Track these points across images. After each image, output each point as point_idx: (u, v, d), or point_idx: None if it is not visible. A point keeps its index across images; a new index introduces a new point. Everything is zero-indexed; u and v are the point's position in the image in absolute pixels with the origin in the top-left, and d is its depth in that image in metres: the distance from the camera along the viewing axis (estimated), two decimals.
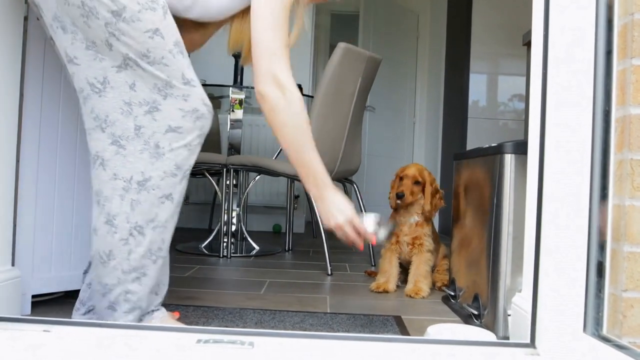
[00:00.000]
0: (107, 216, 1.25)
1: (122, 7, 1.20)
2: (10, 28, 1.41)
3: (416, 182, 2.17)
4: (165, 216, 1.30)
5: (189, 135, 1.30)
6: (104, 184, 1.26)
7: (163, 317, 1.39)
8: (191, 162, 1.33)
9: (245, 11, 1.43)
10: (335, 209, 1.36)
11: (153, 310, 1.37)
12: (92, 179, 1.28)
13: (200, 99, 1.31)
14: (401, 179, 2.19)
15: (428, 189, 2.17)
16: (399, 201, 2.15)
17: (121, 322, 1.28)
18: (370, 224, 1.38)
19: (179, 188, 1.31)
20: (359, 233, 1.37)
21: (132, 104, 1.25)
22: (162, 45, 1.25)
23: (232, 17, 1.47)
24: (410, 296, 2.05)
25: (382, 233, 1.39)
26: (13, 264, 1.50)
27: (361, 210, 3.20)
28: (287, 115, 1.32)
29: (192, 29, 1.47)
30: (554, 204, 1.07)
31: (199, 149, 1.35)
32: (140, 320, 1.32)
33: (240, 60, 1.53)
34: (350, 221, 1.35)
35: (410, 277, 2.14)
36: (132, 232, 1.26)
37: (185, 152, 1.30)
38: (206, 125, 1.33)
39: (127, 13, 1.21)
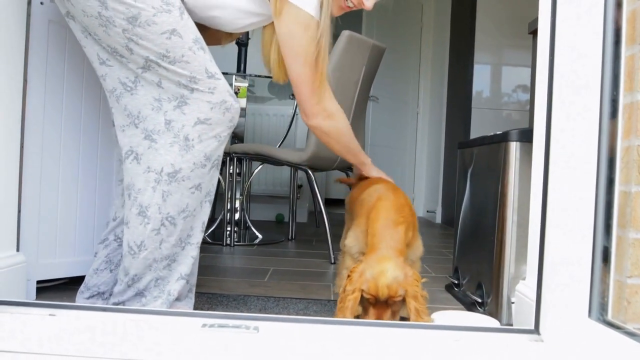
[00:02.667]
0: (140, 208, 1.29)
1: (137, 13, 1.23)
2: (14, 13, 1.41)
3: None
4: (194, 205, 1.33)
5: (219, 127, 1.33)
6: (137, 177, 1.29)
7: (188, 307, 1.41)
8: (220, 152, 1.36)
9: (271, 29, 1.47)
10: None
11: (180, 299, 1.39)
12: (124, 174, 1.33)
13: (226, 91, 1.35)
14: (373, 302, 1.31)
15: (413, 297, 1.30)
16: None
17: (149, 307, 1.31)
18: None
19: (207, 177, 1.35)
20: None
21: (162, 100, 1.29)
22: (181, 44, 1.28)
23: (265, 29, 1.51)
24: None
25: None
26: (18, 250, 1.51)
27: None
28: (338, 135, 1.60)
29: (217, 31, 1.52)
30: (559, 189, 1.07)
31: (227, 139, 1.39)
32: (170, 306, 1.34)
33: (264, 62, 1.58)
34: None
35: (413, 307, 1.31)
36: (164, 222, 1.30)
37: (214, 143, 1.33)
38: (235, 116, 1.37)
39: (142, 18, 1.24)
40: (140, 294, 1.32)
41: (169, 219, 1.30)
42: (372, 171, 1.76)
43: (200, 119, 1.30)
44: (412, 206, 1.56)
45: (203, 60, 1.31)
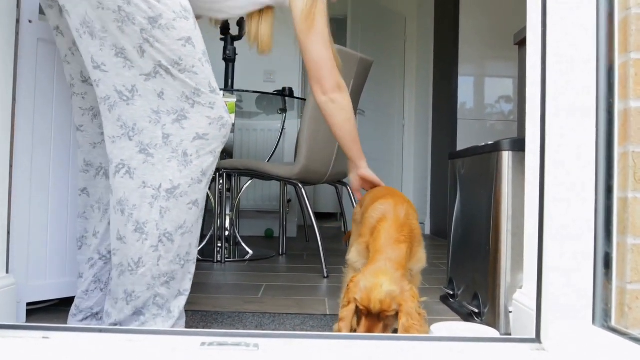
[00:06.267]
0: (136, 224, 1.25)
1: (159, 14, 1.21)
2: (2, 31, 1.39)
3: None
4: (192, 221, 1.31)
5: (215, 143, 1.32)
6: (132, 192, 1.25)
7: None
8: (214, 168, 1.35)
9: (258, 13, 1.52)
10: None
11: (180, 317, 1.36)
12: (113, 187, 1.27)
13: (223, 107, 1.34)
14: (365, 313, 1.29)
15: (406, 313, 1.26)
16: None
17: (147, 326, 1.27)
18: None
19: (203, 193, 1.34)
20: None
21: (161, 113, 1.26)
22: (193, 54, 1.27)
23: (249, 15, 1.54)
24: None
25: None
26: (7, 272, 1.48)
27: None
28: (350, 112, 1.62)
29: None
30: (557, 197, 1.08)
31: (219, 154, 1.38)
32: (174, 325, 1.31)
33: (257, 51, 1.62)
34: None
35: (402, 324, 1.28)
36: (161, 239, 1.27)
37: (211, 159, 1.32)
38: (228, 132, 1.37)
39: (163, 20, 1.22)
40: (138, 312, 1.29)
41: (166, 235, 1.27)
42: (368, 171, 1.75)
43: (199, 134, 1.29)
44: (416, 220, 1.54)
45: (208, 73, 1.30)
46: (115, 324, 1.30)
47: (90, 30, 1.23)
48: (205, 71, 1.29)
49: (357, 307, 1.30)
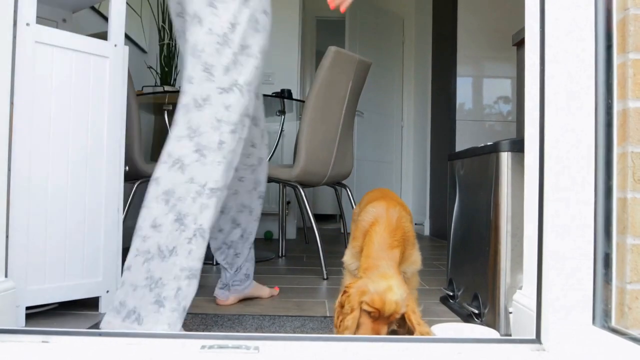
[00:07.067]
0: (178, 215, 1.34)
1: (246, 45, 1.43)
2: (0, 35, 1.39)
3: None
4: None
5: (235, 159, 1.46)
6: (179, 185, 1.35)
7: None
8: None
9: None
10: None
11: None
12: (164, 178, 1.35)
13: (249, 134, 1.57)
14: (376, 316, 1.29)
15: (413, 311, 1.31)
16: None
17: (163, 319, 1.29)
18: None
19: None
20: None
21: (222, 121, 1.39)
22: (257, 77, 1.46)
23: None
24: None
25: None
26: (6, 275, 1.47)
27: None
28: None
29: None
30: (557, 197, 1.08)
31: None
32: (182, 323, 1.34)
33: None
34: None
35: (415, 321, 1.32)
36: (195, 233, 1.35)
37: (233, 173, 1.47)
38: None
39: (250, 50, 1.43)
40: (158, 302, 1.30)
41: (200, 230, 1.34)
42: None
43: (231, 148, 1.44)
44: (409, 222, 1.54)
45: (254, 101, 1.48)
46: (133, 311, 1.29)
47: (193, 51, 1.40)
48: (261, 97, 1.48)
49: (360, 312, 1.30)
